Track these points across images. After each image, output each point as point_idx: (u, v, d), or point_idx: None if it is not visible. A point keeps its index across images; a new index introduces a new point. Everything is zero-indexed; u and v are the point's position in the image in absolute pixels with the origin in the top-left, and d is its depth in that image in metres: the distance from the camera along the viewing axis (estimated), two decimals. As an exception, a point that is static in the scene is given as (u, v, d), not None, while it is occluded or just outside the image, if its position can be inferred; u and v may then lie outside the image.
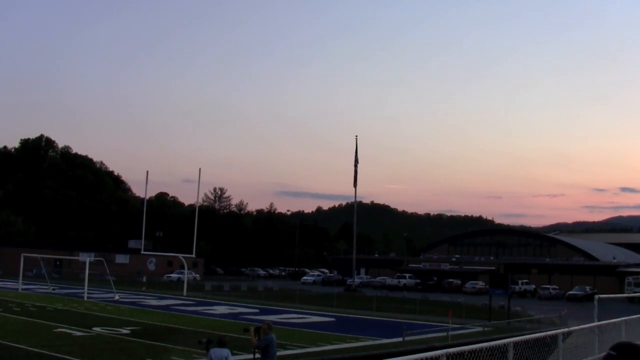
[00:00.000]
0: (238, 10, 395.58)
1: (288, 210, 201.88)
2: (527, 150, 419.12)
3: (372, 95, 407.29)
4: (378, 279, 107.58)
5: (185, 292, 62.91)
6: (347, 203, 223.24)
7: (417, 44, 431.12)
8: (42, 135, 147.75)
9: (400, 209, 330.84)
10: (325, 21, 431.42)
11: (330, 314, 47.40)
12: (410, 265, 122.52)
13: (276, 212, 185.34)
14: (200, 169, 68.63)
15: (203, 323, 36.73)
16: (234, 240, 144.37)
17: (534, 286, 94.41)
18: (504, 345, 11.62)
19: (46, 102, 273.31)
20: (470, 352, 10.32)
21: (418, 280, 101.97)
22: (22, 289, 59.91)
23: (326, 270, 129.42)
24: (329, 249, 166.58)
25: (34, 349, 24.53)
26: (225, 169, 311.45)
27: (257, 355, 16.60)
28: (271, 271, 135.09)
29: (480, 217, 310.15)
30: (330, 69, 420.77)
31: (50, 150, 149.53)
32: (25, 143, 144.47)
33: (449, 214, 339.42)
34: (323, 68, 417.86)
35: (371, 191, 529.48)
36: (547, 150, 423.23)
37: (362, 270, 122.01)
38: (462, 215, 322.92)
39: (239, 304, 53.44)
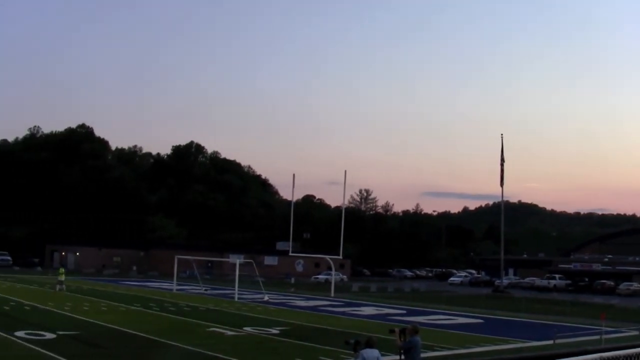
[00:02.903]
0: (375, 9, 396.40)
1: (434, 211, 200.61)
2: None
3: (516, 92, 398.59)
4: (527, 279, 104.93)
5: (332, 293, 63.35)
6: (494, 203, 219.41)
7: (562, 37, 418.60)
8: (192, 142, 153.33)
9: (548, 207, 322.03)
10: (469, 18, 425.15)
11: (478, 315, 46.76)
12: (560, 265, 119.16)
13: (422, 212, 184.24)
14: (345, 171, 68.25)
15: (350, 324, 36.88)
16: (380, 241, 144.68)
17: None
18: (662, 350, 11.16)
19: (196, 109, 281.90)
20: (625, 357, 9.97)
21: (569, 281, 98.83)
22: (177, 290, 62.15)
23: (473, 271, 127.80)
24: (475, 250, 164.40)
25: (190, 347, 25.34)
26: (371, 171, 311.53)
27: (403, 357, 16.59)
28: (418, 272, 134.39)
29: (633, 216, 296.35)
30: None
31: (200, 156, 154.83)
32: (176, 149, 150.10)
33: (599, 213, 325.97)
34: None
35: (518, 190, 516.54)
36: None
37: (511, 271, 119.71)
38: (614, 213, 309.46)
39: (386, 304, 53.32)
